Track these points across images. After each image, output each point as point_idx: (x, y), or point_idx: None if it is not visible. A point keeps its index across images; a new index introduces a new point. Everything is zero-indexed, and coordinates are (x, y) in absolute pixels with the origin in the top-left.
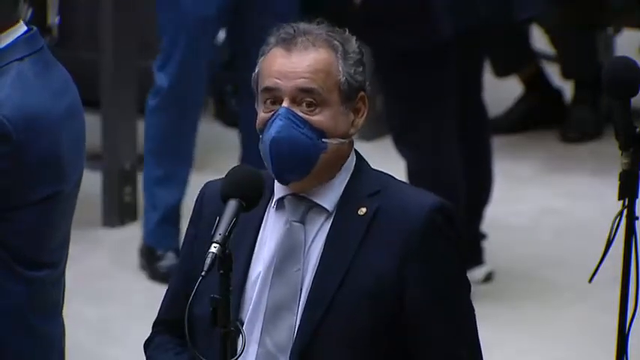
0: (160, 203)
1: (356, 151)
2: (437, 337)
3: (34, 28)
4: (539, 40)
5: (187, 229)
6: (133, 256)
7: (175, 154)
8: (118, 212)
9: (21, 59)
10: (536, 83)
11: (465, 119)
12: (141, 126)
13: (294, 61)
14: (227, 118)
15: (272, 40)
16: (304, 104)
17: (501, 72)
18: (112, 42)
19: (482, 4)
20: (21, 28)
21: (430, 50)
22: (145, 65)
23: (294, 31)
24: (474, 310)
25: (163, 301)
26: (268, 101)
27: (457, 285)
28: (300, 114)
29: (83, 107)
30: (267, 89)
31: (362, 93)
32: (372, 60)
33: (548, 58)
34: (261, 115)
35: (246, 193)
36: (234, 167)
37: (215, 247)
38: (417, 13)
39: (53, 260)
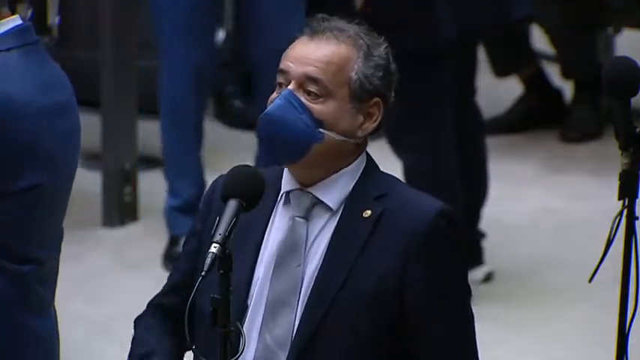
0: (176, 192)
1: (368, 154)
2: (436, 336)
3: (29, 23)
4: (539, 40)
5: (195, 220)
6: (133, 256)
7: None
8: (118, 212)
9: (7, 50)
10: (536, 83)
11: (460, 121)
12: (141, 126)
13: (311, 49)
14: (227, 118)
15: (305, 29)
16: (309, 92)
17: (501, 72)
18: (112, 42)
19: (483, 8)
20: (13, 22)
21: (430, 51)
22: (145, 65)
23: (325, 22)
24: (473, 316)
25: (165, 285)
26: (281, 83)
27: (458, 288)
28: (303, 100)
29: (83, 107)
30: (281, 71)
31: (377, 99)
32: None
33: (548, 58)
34: (272, 95)
35: (247, 193)
36: (235, 167)
37: (215, 247)
38: (417, 13)
39: (39, 256)
